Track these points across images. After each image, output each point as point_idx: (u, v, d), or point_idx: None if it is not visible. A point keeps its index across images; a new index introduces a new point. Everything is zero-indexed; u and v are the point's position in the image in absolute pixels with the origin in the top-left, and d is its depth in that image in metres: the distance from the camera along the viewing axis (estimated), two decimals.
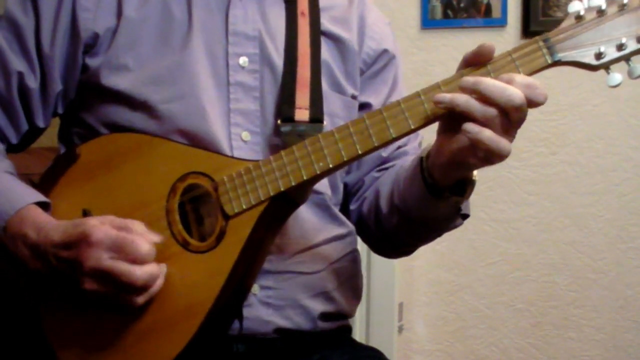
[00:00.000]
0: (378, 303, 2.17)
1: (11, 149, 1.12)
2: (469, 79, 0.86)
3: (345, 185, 1.20)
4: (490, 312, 2.34)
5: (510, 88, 0.84)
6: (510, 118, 0.85)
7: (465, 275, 2.35)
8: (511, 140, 0.87)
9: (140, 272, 0.90)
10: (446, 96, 0.87)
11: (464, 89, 0.86)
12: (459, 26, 2.30)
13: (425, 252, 2.32)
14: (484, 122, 0.85)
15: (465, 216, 1.05)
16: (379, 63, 1.20)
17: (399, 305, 2.23)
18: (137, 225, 0.94)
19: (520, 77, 0.84)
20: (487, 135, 0.85)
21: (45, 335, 1.00)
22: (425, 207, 1.01)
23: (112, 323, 0.96)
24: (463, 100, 0.85)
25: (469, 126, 0.85)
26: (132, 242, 0.90)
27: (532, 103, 0.84)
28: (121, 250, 0.90)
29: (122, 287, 0.90)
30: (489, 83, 0.84)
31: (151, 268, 0.92)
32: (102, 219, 0.94)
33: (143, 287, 0.91)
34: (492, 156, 0.87)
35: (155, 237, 0.94)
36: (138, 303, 0.92)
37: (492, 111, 0.84)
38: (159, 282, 0.93)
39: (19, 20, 1.07)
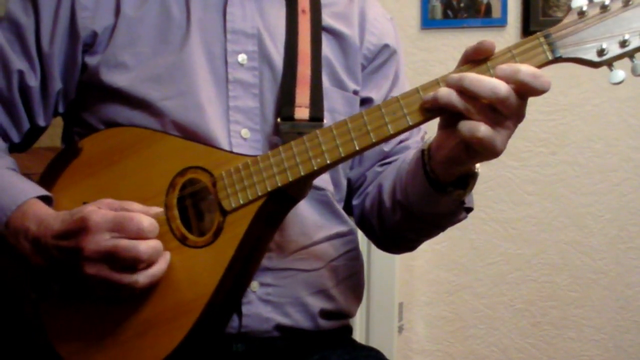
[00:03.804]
0: (378, 303, 2.17)
1: (13, 148, 1.13)
2: (454, 76, 0.85)
3: (348, 181, 1.20)
4: (490, 312, 2.34)
5: (493, 81, 0.83)
6: (499, 111, 0.84)
7: (465, 275, 2.35)
8: (508, 135, 0.86)
9: (144, 245, 0.90)
10: (430, 94, 0.87)
11: (450, 86, 0.85)
12: (459, 26, 2.30)
13: (425, 252, 2.32)
14: (468, 115, 0.84)
15: (469, 209, 1.05)
16: (380, 58, 1.20)
17: (399, 305, 2.23)
18: (135, 205, 0.94)
19: (524, 67, 0.83)
20: (461, 122, 0.84)
21: (45, 330, 1.00)
22: (428, 202, 1.00)
23: (111, 318, 0.96)
24: (444, 94, 0.85)
25: (461, 123, 0.85)
26: (131, 218, 0.90)
27: (537, 92, 0.83)
28: (122, 229, 0.90)
29: (126, 264, 0.90)
30: (472, 78, 0.84)
31: (155, 242, 0.91)
32: (99, 202, 0.94)
33: (148, 262, 0.90)
34: (473, 145, 0.85)
35: (155, 209, 0.94)
36: (139, 284, 0.91)
37: (475, 107, 0.84)
38: (162, 266, 0.93)
39: (20, 20, 1.08)
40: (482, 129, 0.84)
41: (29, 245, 0.95)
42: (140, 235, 0.90)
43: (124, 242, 0.89)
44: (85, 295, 0.95)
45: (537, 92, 0.84)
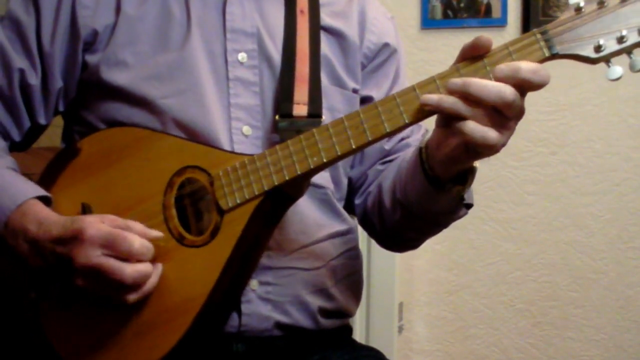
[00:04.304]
0: (378, 303, 2.17)
1: (14, 147, 1.12)
2: (457, 81, 0.84)
3: (350, 180, 1.19)
4: (490, 312, 2.34)
5: (500, 85, 0.82)
6: (504, 114, 0.84)
7: (465, 275, 2.35)
8: (510, 134, 0.86)
9: (130, 270, 0.89)
10: (433, 98, 0.86)
11: (453, 92, 0.85)
12: (459, 26, 2.30)
13: (425, 252, 2.33)
14: (474, 119, 0.84)
15: (469, 206, 1.05)
16: (380, 57, 1.19)
17: (399, 305, 2.23)
18: (137, 226, 0.93)
19: (525, 64, 0.83)
20: (470, 126, 0.84)
21: (45, 330, 1.00)
22: (428, 200, 1.00)
23: (110, 319, 0.96)
24: (450, 102, 0.84)
25: (471, 128, 0.84)
26: (124, 238, 0.90)
27: (538, 87, 0.83)
28: (113, 247, 0.90)
29: (112, 285, 0.90)
30: (478, 84, 0.83)
31: (143, 267, 0.91)
32: (102, 217, 0.93)
33: (132, 286, 0.90)
34: (480, 148, 0.85)
35: (154, 233, 0.94)
36: (129, 301, 0.91)
37: (480, 111, 0.83)
38: (153, 281, 0.93)
39: (21, 18, 1.08)
40: (494, 136, 0.84)
41: (28, 246, 0.95)
42: (129, 256, 0.90)
43: (111, 263, 0.89)
44: (83, 296, 0.95)
45: (538, 87, 0.83)
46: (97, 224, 0.91)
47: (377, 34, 1.19)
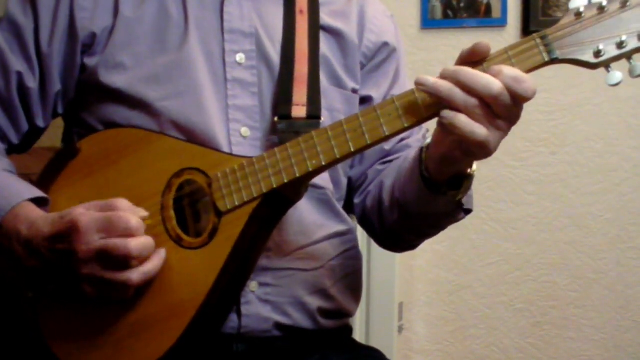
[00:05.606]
0: (378, 303, 2.16)
1: (12, 150, 1.13)
2: (449, 69, 0.85)
3: (349, 179, 1.19)
4: (490, 312, 2.34)
5: (487, 77, 0.82)
6: (494, 110, 0.83)
7: (465, 275, 2.35)
8: (502, 136, 0.86)
9: (135, 242, 0.90)
10: (429, 79, 0.85)
11: (445, 78, 0.85)
12: (459, 26, 2.30)
13: (425, 252, 2.33)
14: (465, 112, 0.83)
15: (469, 211, 1.05)
16: (380, 56, 1.19)
17: (399, 305, 2.22)
18: (121, 202, 0.94)
19: (507, 69, 0.83)
20: (462, 119, 0.83)
21: (41, 329, 1.00)
22: (424, 202, 1.00)
23: (106, 318, 0.97)
24: (446, 87, 0.84)
25: (445, 112, 0.84)
26: (119, 217, 0.91)
27: (519, 97, 0.83)
28: (110, 229, 0.91)
29: (118, 262, 0.90)
30: (467, 72, 0.83)
31: (144, 239, 0.92)
32: (87, 205, 0.94)
33: (139, 258, 0.91)
34: (470, 145, 0.85)
35: (142, 212, 0.95)
36: (133, 281, 0.91)
37: (473, 100, 0.83)
38: (157, 263, 0.93)
39: (19, 21, 1.08)
40: (482, 132, 0.83)
41: (21, 248, 0.95)
42: (128, 234, 0.91)
43: (114, 240, 0.90)
44: (80, 295, 0.95)
45: (520, 97, 0.83)
46: (88, 213, 0.92)
47: (377, 33, 1.19)
